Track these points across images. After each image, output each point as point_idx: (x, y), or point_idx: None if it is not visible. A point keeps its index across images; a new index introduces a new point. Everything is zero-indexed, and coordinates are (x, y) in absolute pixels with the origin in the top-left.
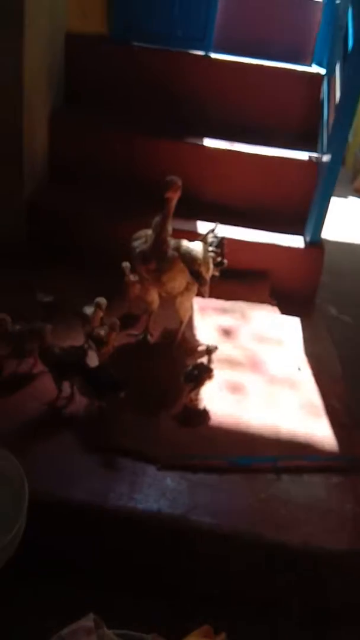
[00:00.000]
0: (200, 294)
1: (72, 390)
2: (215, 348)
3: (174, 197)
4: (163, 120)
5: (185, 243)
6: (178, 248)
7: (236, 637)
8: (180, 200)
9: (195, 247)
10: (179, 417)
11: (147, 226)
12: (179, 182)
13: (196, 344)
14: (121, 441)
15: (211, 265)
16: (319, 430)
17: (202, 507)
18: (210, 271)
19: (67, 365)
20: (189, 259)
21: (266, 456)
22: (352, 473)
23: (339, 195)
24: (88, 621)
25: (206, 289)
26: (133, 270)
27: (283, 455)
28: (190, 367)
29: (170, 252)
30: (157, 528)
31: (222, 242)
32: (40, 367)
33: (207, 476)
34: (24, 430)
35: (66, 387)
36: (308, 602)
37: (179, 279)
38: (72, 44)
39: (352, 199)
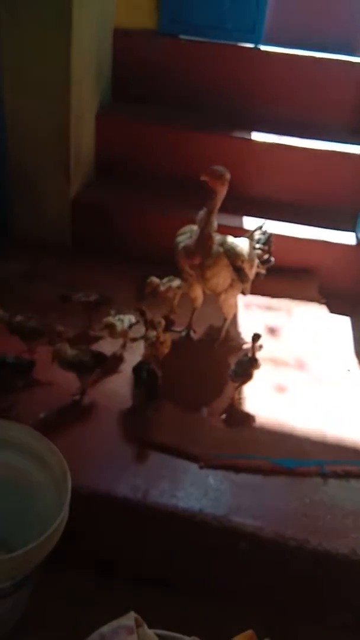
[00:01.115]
0: (242, 291)
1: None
2: (259, 336)
3: (219, 189)
4: (211, 114)
5: (230, 239)
6: (223, 244)
7: None
8: (228, 195)
9: (241, 243)
10: (223, 415)
11: (193, 222)
12: (226, 175)
13: (241, 342)
14: (163, 438)
15: (256, 263)
16: None
17: (245, 509)
18: (254, 268)
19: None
20: (232, 255)
21: (312, 459)
22: None
23: None
24: (129, 620)
25: (247, 286)
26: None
27: (330, 459)
28: (235, 364)
29: (215, 248)
30: (199, 527)
31: (269, 240)
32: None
33: (250, 477)
34: (67, 425)
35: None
36: (354, 610)
37: (223, 275)
38: (120, 39)
39: None
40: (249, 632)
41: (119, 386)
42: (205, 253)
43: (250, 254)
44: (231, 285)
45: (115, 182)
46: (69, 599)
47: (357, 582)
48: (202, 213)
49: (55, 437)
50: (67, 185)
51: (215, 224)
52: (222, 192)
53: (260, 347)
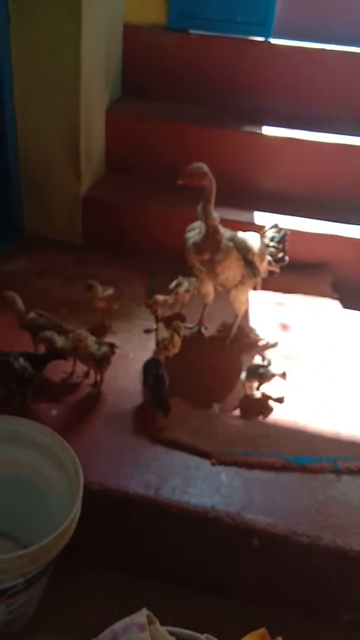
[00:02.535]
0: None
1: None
2: (275, 344)
3: (203, 184)
4: (222, 109)
5: (241, 234)
6: (233, 238)
7: None
8: (239, 191)
9: (251, 237)
10: (235, 412)
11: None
12: (203, 169)
13: (255, 338)
14: (175, 435)
15: (267, 259)
16: None
17: (257, 505)
18: (264, 263)
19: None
20: (243, 248)
21: (325, 456)
22: None
23: None
24: (141, 617)
25: (258, 280)
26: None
27: (343, 455)
28: (253, 364)
29: (225, 243)
30: (211, 524)
31: (284, 238)
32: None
33: (262, 473)
34: (79, 422)
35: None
36: None
37: (234, 270)
38: (130, 35)
39: None
40: (262, 630)
41: (129, 383)
42: (215, 248)
43: (261, 249)
44: (241, 282)
45: (125, 179)
46: (81, 595)
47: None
48: (199, 209)
49: (67, 434)
50: (77, 182)
51: (215, 216)
52: (209, 185)
53: (275, 344)
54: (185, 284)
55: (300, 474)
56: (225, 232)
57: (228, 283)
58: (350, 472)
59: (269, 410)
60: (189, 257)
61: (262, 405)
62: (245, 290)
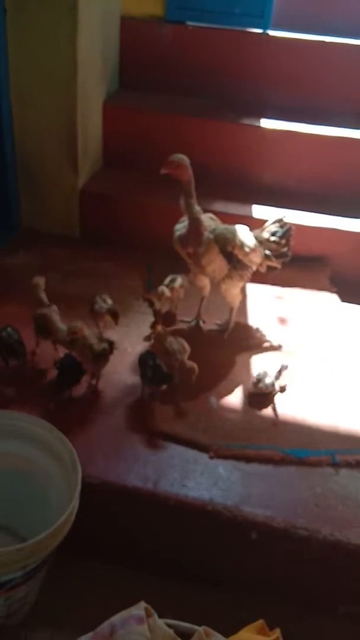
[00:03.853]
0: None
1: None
2: (279, 346)
3: (182, 177)
4: (220, 101)
5: (223, 225)
6: (214, 230)
7: (287, 632)
8: (237, 184)
9: (236, 229)
10: (233, 405)
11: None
12: (184, 161)
13: (261, 338)
14: (173, 428)
15: (259, 253)
16: None
17: (255, 498)
18: (255, 257)
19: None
20: (222, 240)
21: (323, 449)
22: None
23: None
24: (139, 609)
25: (246, 273)
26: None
27: (341, 449)
28: (263, 372)
29: (206, 235)
30: (209, 517)
31: (288, 233)
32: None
33: (261, 467)
34: (77, 415)
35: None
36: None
37: (218, 263)
38: (127, 27)
39: None
40: (260, 622)
41: (127, 376)
42: (197, 241)
43: (247, 240)
44: (229, 275)
45: (123, 172)
46: (80, 588)
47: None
48: (182, 203)
49: (65, 428)
50: (74, 175)
51: (198, 209)
52: (187, 178)
53: (286, 367)
54: (179, 280)
55: (299, 467)
56: (212, 225)
57: (215, 275)
58: (348, 465)
59: (268, 403)
60: (177, 250)
61: (260, 399)
62: (236, 284)
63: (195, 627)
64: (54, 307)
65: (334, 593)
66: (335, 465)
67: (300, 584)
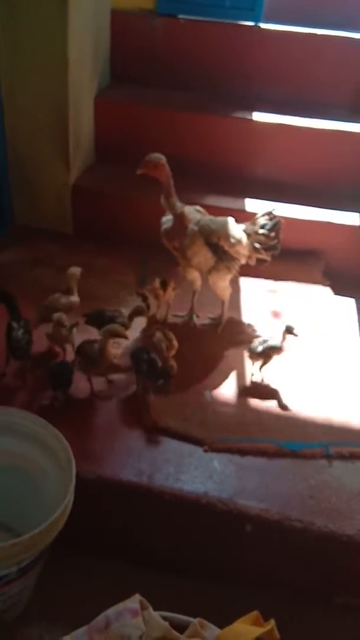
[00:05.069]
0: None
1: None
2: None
3: (159, 175)
4: (211, 95)
5: (207, 217)
6: (198, 222)
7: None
8: (230, 177)
9: (223, 222)
10: (227, 399)
11: (192, 204)
12: (160, 160)
13: (252, 334)
14: (167, 422)
15: (246, 245)
16: None
17: (250, 491)
18: (242, 249)
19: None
20: (206, 232)
21: (317, 441)
22: None
23: None
24: (134, 602)
25: (234, 265)
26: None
27: (335, 441)
28: (257, 342)
29: (190, 227)
30: (204, 510)
31: (277, 226)
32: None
33: (255, 459)
34: (72, 411)
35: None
36: (357, 593)
37: (204, 254)
38: (118, 20)
39: None
40: (254, 613)
41: (120, 371)
42: (182, 234)
43: (234, 232)
44: (215, 267)
45: (115, 166)
46: (75, 582)
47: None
48: (162, 202)
49: (60, 424)
50: (66, 170)
51: (180, 205)
52: (165, 178)
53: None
54: (172, 284)
55: (293, 459)
56: (197, 217)
57: (202, 267)
58: (342, 457)
59: (262, 397)
60: (164, 244)
61: (254, 392)
62: (223, 277)
63: (190, 619)
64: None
65: (328, 584)
66: (329, 457)
67: (295, 576)
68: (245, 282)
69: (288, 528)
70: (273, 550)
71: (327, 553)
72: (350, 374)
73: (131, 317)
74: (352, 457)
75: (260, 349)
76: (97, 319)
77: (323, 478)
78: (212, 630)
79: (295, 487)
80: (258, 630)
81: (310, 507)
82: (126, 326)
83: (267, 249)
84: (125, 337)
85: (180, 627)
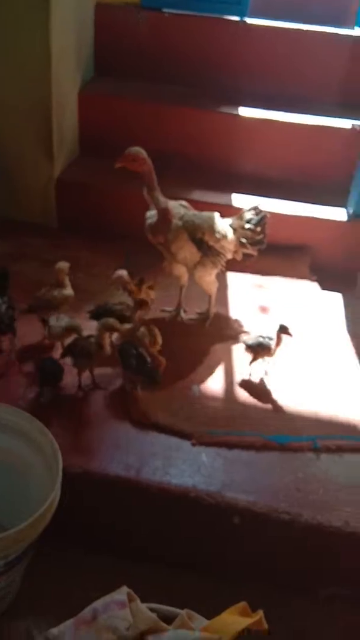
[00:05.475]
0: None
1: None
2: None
3: (141, 169)
4: (197, 89)
5: (192, 212)
6: (182, 217)
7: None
8: (216, 172)
9: (208, 217)
10: (215, 393)
11: (176, 199)
12: (140, 154)
13: (238, 329)
14: (155, 416)
15: (231, 240)
16: None
17: (238, 484)
18: (228, 243)
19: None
20: (190, 227)
21: (304, 435)
22: None
23: None
24: (121, 594)
25: (219, 260)
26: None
27: (322, 434)
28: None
29: (175, 222)
30: (192, 503)
31: (263, 221)
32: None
33: (243, 453)
34: (58, 406)
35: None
36: (346, 583)
37: (188, 249)
38: (102, 14)
39: None
40: (242, 604)
41: (106, 365)
42: (166, 228)
43: (218, 227)
44: (201, 262)
45: (99, 160)
46: (63, 576)
47: (349, 554)
48: (145, 195)
49: (45, 418)
50: (50, 164)
51: (163, 200)
52: (146, 170)
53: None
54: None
55: (281, 453)
56: (181, 212)
57: (187, 262)
58: (329, 450)
59: (250, 391)
60: (149, 239)
61: (243, 386)
62: (209, 271)
63: (178, 610)
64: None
65: (315, 575)
66: (317, 450)
67: (284, 568)
68: (232, 277)
69: (275, 520)
70: (261, 542)
71: (314, 544)
72: (337, 369)
73: (135, 310)
74: (339, 450)
75: (252, 342)
76: (104, 313)
77: (310, 471)
78: (199, 621)
79: (283, 480)
80: (246, 621)
81: (298, 500)
82: (130, 319)
83: (253, 243)
84: (120, 332)
85: (168, 619)
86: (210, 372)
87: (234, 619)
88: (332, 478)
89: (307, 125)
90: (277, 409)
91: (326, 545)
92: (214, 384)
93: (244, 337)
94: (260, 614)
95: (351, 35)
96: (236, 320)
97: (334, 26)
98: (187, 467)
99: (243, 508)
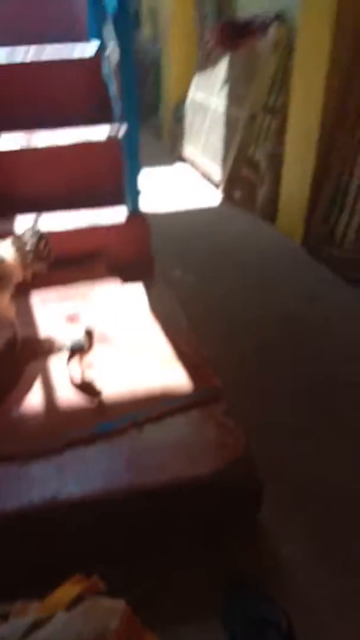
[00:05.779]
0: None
1: None
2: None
3: None
4: None
5: None
6: None
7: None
8: None
9: None
10: (28, 409)
11: None
12: None
13: (49, 345)
14: None
15: (11, 262)
16: (174, 377)
17: (72, 483)
18: (14, 267)
19: None
20: None
21: (126, 415)
22: (209, 403)
23: (166, 164)
24: None
25: (5, 284)
26: None
27: (142, 409)
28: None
29: None
30: (31, 520)
31: (41, 238)
32: None
33: (74, 452)
34: None
35: None
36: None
37: None
38: None
39: (179, 165)
40: (76, 576)
41: None
42: None
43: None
44: None
45: None
46: None
47: (184, 506)
48: None
49: None
50: None
51: None
52: None
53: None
54: None
55: (108, 440)
56: None
57: None
58: (151, 421)
59: (69, 394)
60: None
61: (63, 391)
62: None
63: (7, 606)
64: None
65: (165, 537)
66: (139, 424)
67: (137, 540)
68: (35, 295)
69: (115, 503)
70: (104, 528)
71: (154, 509)
72: (147, 349)
73: None
74: (160, 417)
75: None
76: None
77: (138, 445)
78: (33, 607)
79: (116, 464)
80: (78, 588)
81: (131, 473)
82: None
83: (39, 260)
84: None
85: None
86: (25, 391)
87: (66, 589)
88: (159, 444)
89: (65, 146)
90: (99, 401)
91: (165, 502)
92: (33, 399)
93: (57, 347)
94: (95, 578)
95: (82, 51)
96: (48, 337)
97: (71, 42)
98: (17, 488)
99: (78, 501)
